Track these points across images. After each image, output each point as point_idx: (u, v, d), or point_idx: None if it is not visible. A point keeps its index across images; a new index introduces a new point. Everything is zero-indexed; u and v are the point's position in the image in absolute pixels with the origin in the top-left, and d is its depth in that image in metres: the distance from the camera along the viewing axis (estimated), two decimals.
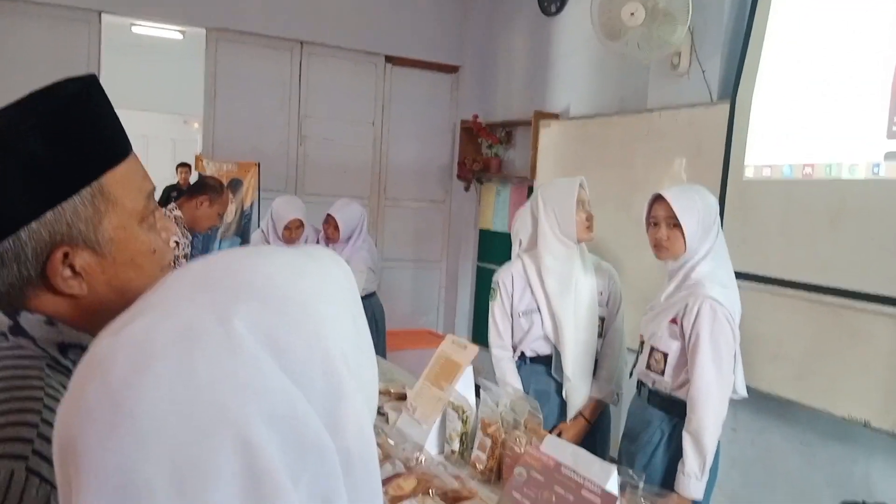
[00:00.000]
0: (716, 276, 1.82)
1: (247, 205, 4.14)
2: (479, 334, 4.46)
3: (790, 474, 2.68)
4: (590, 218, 2.16)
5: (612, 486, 1.19)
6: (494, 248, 4.74)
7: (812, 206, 2.45)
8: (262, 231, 3.43)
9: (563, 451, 1.30)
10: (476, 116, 4.86)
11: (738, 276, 2.63)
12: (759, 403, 2.71)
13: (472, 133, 4.90)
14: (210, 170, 4.20)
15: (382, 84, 4.91)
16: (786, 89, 2.59)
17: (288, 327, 0.45)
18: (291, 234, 3.27)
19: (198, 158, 4.49)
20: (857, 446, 2.44)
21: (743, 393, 1.85)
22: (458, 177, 5.02)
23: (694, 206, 1.83)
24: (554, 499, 1.27)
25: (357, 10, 4.70)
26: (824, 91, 2.44)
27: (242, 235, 4.11)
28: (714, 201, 1.91)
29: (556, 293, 2.14)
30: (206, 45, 4.38)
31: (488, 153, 4.86)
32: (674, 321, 1.83)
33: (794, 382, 2.49)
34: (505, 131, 4.76)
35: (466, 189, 5.02)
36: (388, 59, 4.88)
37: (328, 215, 3.33)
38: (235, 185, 4.14)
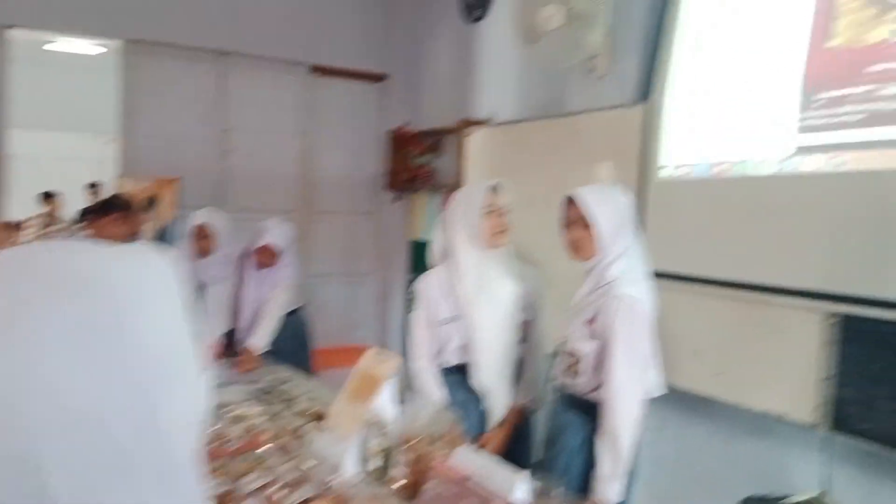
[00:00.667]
0: (630, 275, 1.81)
1: (165, 222, 3.99)
2: None
3: (713, 471, 2.71)
4: (500, 224, 2.12)
5: (520, 494, 1.15)
6: (425, 258, 4.69)
7: (727, 203, 2.49)
8: (181, 243, 3.30)
9: (472, 462, 1.26)
10: (404, 125, 4.82)
11: (659, 275, 2.66)
12: (682, 401, 2.73)
13: (400, 142, 4.85)
14: (127, 187, 4.04)
15: (308, 94, 4.82)
16: (698, 89, 2.64)
17: (95, 319, 0.40)
18: (201, 242, 3.13)
19: (117, 177, 4.31)
20: (776, 440, 2.48)
21: (660, 392, 1.85)
22: (388, 187, 4.97)
23: (605, 206, 1.83)
24: None
25: (280, 19, 4.61)
26: (735, 89, 2.49)
27: None
28: (627, 201, 1.91)
29: (470, 300, 2.11)
30: (124, 58, 4.21)
31: (417, 162, 4.81)
32: (589, 322, 1.81)
33: (715, 379, 2.52)
34: (433, 139, 4.73)
35: (395, 200, 4.97)
36: (313, 68, 4.80)
37: (265, 246, 3.14)
38: (152, 201, 3.99)
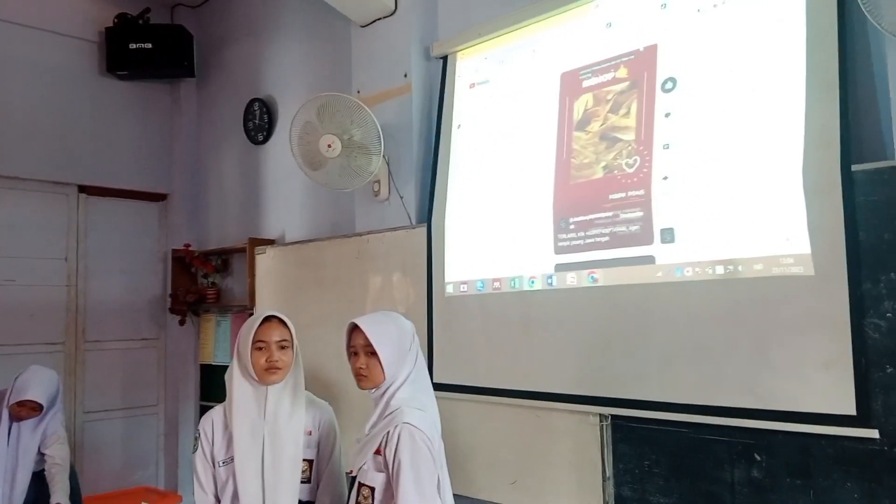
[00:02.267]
0: (415, 400, 1.83)
1: None
2: None
3: None
4: (270, 360, 2.07)
5: None
6: (218, 383, 4.41)
7: (505, 317, 2.66)
8: None
9: None
10: (188, 245, 4.62)
11: (451, 388, 2.76)
12: None
13: (185, 263, 4.63)
14: None
15: (76, 216, 4.44)
16: (472, 213, 2.84)
17: None
18: None
19: None
20: None
21: None
22: (172, 310, 4.66)
23: (388, 333, 1.86)
24: None
25: (43, 137, 4.27)
26: (503, 213, 2.72)
27: None
28: (409, 325, 1.96)
29: (242, 439, 2.01)
30: None
31: (204, 283, 4.61)
32: (378, 452, 1.79)
33: (509, 487, 2.59)
34: (221, 259, 4.57)
35: (182, 323, 4.66)
36: (83, 188, 4.47)
37: (25, 400, 2.82)
38: None
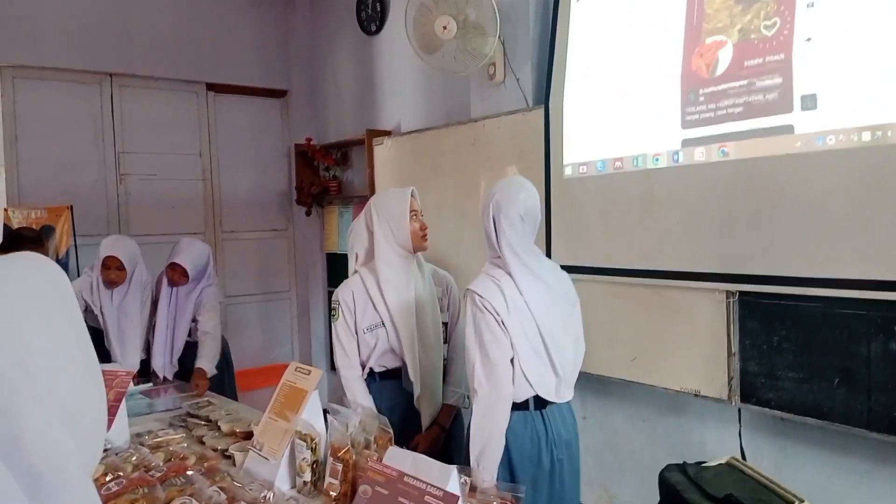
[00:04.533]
0: (494, 271, 1.87)
1: (61, 252, 3.79)
2: None
3: (636, 451, 2.84)
4: (423, 227, 2.17)
5: (454, 486, 1.18)
6: (343, 270, 4.66)
7: (625, 196, 2.62)
8: (88, 272, 3.15)
9: (404, 460, 1.28)
10: (310, 139, 4.79)
11: (570, 269, 2.77)
12: (602, 388, 2.85)
13: (307, 156, 4.82)
14: (17, 219, 3.81)
15: (206, 113, 4.71)
16: (592, 91, 2.76)
17: None
18: (110, 274, 3.02)
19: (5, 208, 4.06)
20: (691, 416, 2.63)
21: (557, 398, 1.91)
22: (298, 202, 4.92)
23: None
24: None
25: (171, 38, 4.49)
26: (625, 89, 2.62)
27: None
28: (492, 197, 1.92)
29: (396, 304, 2.13)
30: (3, 85, 3.98)
31: (326, 175, 4.80)
32: None
33: (630, 364, 2.64)
34: (340, 152, 4.73)
35: (308, 214, 4.92)
36: (210, 86, 4.70)
37: (174, 263, 3.08)
38: (47, 231, 3.78)
